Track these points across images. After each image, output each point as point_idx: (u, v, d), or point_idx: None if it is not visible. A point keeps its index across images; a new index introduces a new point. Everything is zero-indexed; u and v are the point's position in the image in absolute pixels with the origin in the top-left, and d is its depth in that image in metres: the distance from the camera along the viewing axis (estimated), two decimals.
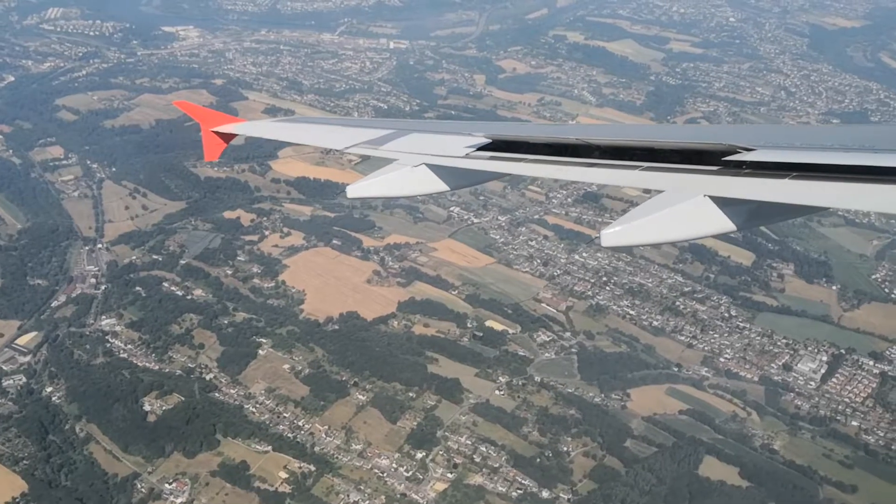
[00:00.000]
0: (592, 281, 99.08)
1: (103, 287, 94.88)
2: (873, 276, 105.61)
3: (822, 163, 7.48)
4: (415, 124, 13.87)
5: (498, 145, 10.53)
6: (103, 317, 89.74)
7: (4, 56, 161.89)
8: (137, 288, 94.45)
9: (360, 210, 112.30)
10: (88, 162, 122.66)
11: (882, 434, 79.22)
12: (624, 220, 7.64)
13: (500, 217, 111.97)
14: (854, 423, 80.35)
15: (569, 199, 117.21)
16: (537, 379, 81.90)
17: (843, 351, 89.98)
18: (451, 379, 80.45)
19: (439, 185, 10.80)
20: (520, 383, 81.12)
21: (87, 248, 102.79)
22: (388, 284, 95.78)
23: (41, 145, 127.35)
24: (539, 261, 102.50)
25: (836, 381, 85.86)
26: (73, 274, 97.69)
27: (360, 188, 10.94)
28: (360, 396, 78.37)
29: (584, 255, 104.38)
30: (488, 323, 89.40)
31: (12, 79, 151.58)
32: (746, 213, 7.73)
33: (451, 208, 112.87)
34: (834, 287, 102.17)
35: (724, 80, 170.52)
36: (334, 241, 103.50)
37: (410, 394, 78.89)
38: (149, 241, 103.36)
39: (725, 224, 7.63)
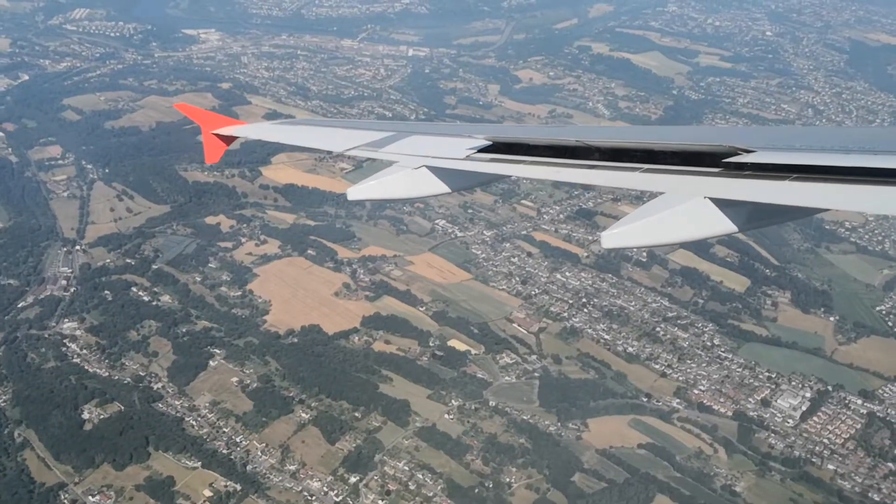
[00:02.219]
0: (571, 302, 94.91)
1: (72, 289, 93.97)
2: (878, 308, 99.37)
3: (822, 164, 7.41)
4: (415, 126, 14.40)
5: (498, 147, 10.56)
6: (66, 320, 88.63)
7: (24, 55, 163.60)
8: (105, 291, 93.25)
9: (344, 220, 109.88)
10: (83, 162, 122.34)
11: (860, 480, 73.85)
12: (624, 221, 7.67)
13: (485, 232, 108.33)
14: (830, 467, 75.13)
15: (561, 216, 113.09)
16: (492, 404, 78.24)
17: (829, 387, 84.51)
18: (400, 400, 77.30)
19: (440, 187, 10.76)
20: (472, 407, 77.57)
21: (64, 249, 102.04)
22: (356, 298, 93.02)
23: (41, 144, 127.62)
24: (518, 279, 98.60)
25: (818, 419, 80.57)
26: (46, 275, 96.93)
27: (360, 190, 10.97)
28: (304, 414, 75.71)
29: (567, 274, 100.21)
30: (451, 342, 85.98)
31: (27, 77, 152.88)
32: (747, 215, 7.65)
33: (437, 221, 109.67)
34: (831, 318, 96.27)
35: (749, 96, 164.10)
36: (309, 252, 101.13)
37: (356, 414, 75.97)
38: (126, 245, 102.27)
39: (726, 225, 7.60)
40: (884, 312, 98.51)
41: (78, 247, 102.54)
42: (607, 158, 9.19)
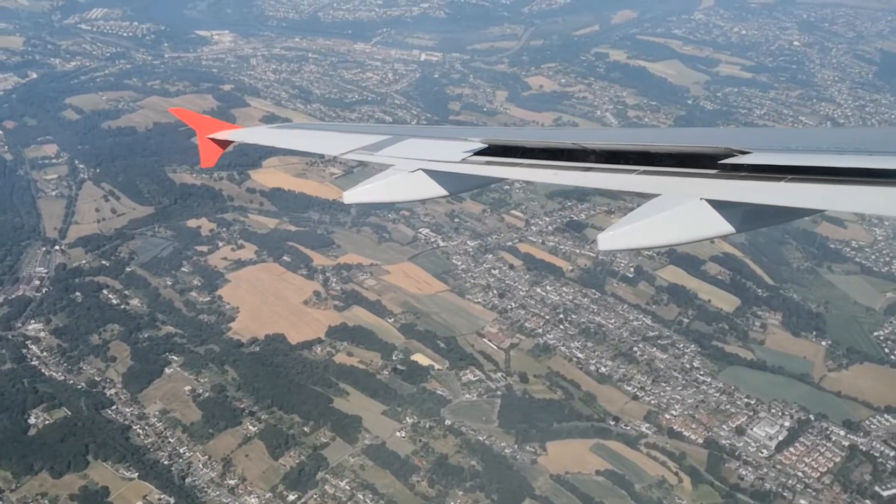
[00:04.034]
0: (548, 317, 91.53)
1: (44, 290, 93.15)
2: (875, 333, 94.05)
3: (817, 165, 7.47)
4: (411, 129, 13.80)
5: (494, 150, 10.51)
6: (32, 321, 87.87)
7: (35, 53, 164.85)
8: (76, 293, 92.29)
9: (327, 226, 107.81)
10: (76, 162, 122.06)
11: None
12: (620, 223, 7.63)
13: (469, 242, 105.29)
14: (802, 502, 71.17)
15: (550, 227, 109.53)
16: (448, 422, 75.37)
17: (811, 416, 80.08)
18: (352, 415, 74.85)
19: (436, 190, 10.72)
20: (427, 426, 74.78)
21: (44, 249, 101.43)
22: (325, 307, 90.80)
23: (38, 143, 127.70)
24: (496, 291, 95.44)
25: (795, 450, 76.28)
26: (21, 275, 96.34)
27: (356, 194, 10.96)
28: (251, 427, 73.65)
29: (548, 288, 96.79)
30: (415, 356, 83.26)
31: (35, 76, 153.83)
32: (743, 216, 7.63)
33: (421, 229, 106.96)
34: (823, 342, 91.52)
35: (767, 108, 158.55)
36: (284, 258, 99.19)
37: (305, 428, 73.70)
38: (104, 246, 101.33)
39: (723, 226, 7.59)
40: (881, 338, 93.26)
41: (58, 247, 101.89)
42: (603, 160, 9.17)
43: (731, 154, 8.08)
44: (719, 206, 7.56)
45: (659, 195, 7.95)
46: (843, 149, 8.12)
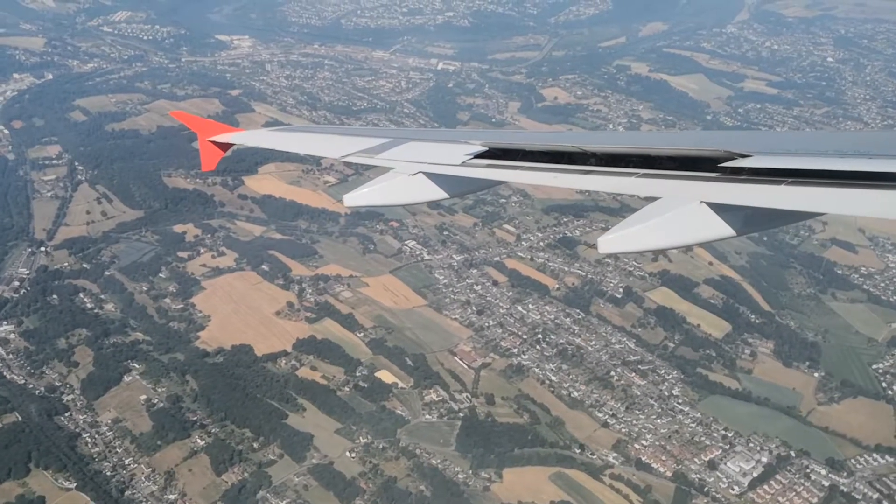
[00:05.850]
0: (525, 337, 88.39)
1: (22, 291, 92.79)
2: (875, 366, 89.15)
3: (817, 168, 7.43)
4: (412, 132, 13.98)
5: (494, 153, 10.48)
6: (4, 322, 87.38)
7: (55, 55, 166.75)
8: (53, 296, 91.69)
9: (313, 235, 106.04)
10: (76, 163, 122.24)
11: None
12: (621, 226, 7.61)
13: (455, 256, 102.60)
14: None
15: (541, 243, 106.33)
16: (403, 444, 72.69)
17: (792, 452, 75.71)
18: (303, 433, 72.63)
19: (436, 193, 10.64)
20: (380, 447, 72.17)
21: (29, 249, 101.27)
22: (297, 319, 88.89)
23: (42, 143, 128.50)
24: (475, 308, 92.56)
25: (769, 488, 72.23)
26: (2, 275, 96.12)
27: (357, 196, 10.83)
28: (199, 440, 71.76)
29: (530, 306, 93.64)
30: (380, 373, 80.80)
31: (50, 77, 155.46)
32: (743, 219, 7.62)
33: (407, 241, 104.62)
34: (816, 374, 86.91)
35: (789, 125, 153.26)
36: (263, 267, 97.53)
37: (254, 444, 71.61)
38: (88, 249, 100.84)
39: (723, 230, 7.56)
40: (880, 371, 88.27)
41: (43, 248, 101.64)
42: (604, 164, 9.17)
43: (731, 157, 8.04)
44: (720, 209, 7.52)
45: (659, 198, 7.85)
46: (844, 152, 8.05)
